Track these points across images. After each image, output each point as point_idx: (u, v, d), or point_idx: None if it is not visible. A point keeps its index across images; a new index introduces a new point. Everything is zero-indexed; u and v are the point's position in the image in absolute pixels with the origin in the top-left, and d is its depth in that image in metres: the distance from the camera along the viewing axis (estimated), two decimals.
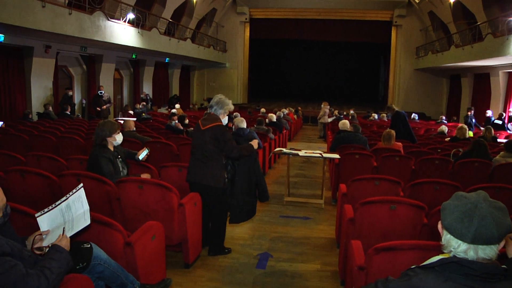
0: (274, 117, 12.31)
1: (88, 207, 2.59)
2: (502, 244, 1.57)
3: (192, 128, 9.19)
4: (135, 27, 14.55)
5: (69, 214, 2.45)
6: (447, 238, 1.62)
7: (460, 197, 1.61)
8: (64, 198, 2.44)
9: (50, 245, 2.30)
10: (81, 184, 2.59)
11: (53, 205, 2.39)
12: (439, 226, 1.70)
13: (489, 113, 15.88)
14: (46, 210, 2.35)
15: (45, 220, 2.35)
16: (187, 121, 10.51)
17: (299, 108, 22.36)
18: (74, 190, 2.50)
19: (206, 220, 4.60)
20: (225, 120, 4.47)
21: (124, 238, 3.01)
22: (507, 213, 1.57)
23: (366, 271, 2.77)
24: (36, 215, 2.34)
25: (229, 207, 4.71)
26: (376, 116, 17.53)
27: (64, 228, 2.43)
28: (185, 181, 4.52)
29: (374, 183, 4.72)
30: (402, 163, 6.42)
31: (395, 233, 3.61)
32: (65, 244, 2.36)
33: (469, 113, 15.07)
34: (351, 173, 6.09)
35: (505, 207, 1.58)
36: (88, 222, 2.59)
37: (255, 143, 4.67)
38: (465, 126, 9.08)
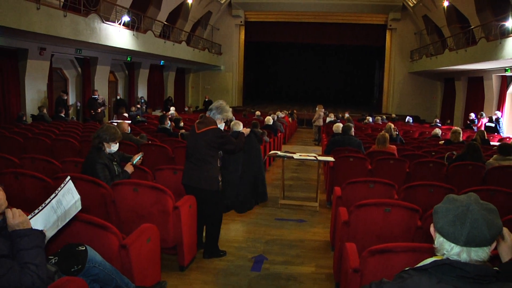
0: (271, 120, 12.33)
1: (79, 196, 2.59)
2: (493, 245, 1.59)
3: (184, 131, 9.18)
4: (130, 29, 14.53)
5: (61, 208, 2.44)
6: (440, 241, 1.63)
7: (452, 200, 1.62)
8: (54, 195, 2.43)
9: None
10: (68, 177, 2.58)
11: (44, 205, 2.37)
12: (432, 229, 1.71)
13: (472, 115, 16.43)
14: (36, 211, 2.34)
15: (38, 221, 2.34)
16: (182, 123, 10.50)
17: (294, 111, 22.40)
18: (62, 185, 2.49)
19: (201, 223, 4.60)
20: (221, 127, 4.48)
21: (119, 240, 3.01)
22: (498, 214, 1.59)
23: (360, 273, 2.79)
24: (28, 217, 2.33)
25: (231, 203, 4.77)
26: (370, 119, 17.59)
27: (58, 223, 2.44)
28: (180, 184, 4.52)
29: (368, 186, 4.74)
30: (397, 166, 6.45)
31: (390, 235, 3.63)
32: (18, 222, 2.22)
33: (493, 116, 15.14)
34: (345, 176, 6.11)
35: (495, 208, 1.60)
36: (79, 208, 2.59)
37: (246, 131, 4.83)
38: (459, 130, 9.11)
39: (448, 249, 1.59)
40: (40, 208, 2.34)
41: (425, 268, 1.63)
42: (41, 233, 2.31)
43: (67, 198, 2.49)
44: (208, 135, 4.26)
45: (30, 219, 2.30)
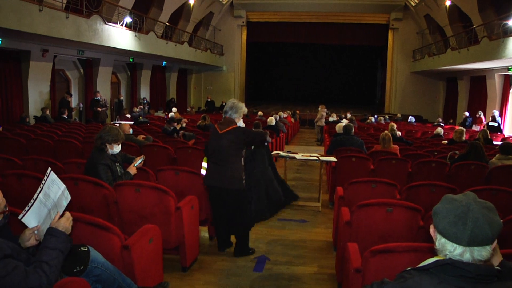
0: (273, 121, 12.35)
1: (64, 185, 2.59)
2: (494, 244, 1.58)
3: (186, 132, 9.20)
4: (132, 30, 14.57)
5: (49, 201, 2.44)
6: (441, 242, 1.62)
7: (451, 200, 1.61)
8: (39, 189, 2.43)
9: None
10: (49, 169, 2.57)
11: (32, 201, 2.37)
12: (431, 230, 1.70)
13: (466, 114, 16.90)
14: (27, 208, 2.34)
15: (31, 218, 2.34)
16: (184, 124, 10.51)
17: (297, 111, 22.38)
18: (45, 177, 2.48)
19: (223, 223, 4.66)
20: (240, 124, 4.54)
21: (121, 241, 3.02)
22: (496, 212, 1.59)
23: (362, 273, 2.78)
24: (19, 217, 2.32)
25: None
26: (373, 119, 17.58)
27: (51, 214, 2.44)
28: (182, 184, 4.54)
29: (370, 186, 4.73)
30: (399, 166, 6.44)
31: (392, 235, 3.62)
32: (64, 224, 2.36)
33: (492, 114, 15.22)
34: (348, 176, 6.10)
35: (493, 206, 1.59)
36: (69, 198, 2.59)
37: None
38: (463, 129, 9.08)
39: (451, 249, 1.58)
40: (30, 205, 2.34)
41: (427, 268, 1.62)
42: (70, 241, 2.37)
43: (53, 190, 2.48)
44: (231, 134, 4.32)
45: (21, 218, 2.30)
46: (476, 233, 1.52)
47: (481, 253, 1.55)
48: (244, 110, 4.57)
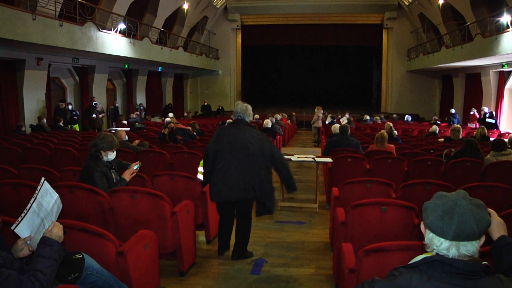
0: (269, 123, 12.37)
1: (57, 194, 2.60)
2: (482, 240, 1.62)
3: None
4: (126, 37, 14.59)
5: (43, 210, 2.45)
6: (429, 237, 1.66)
7: (441, 196, 1.66)
8: (33, 199, 2.43)
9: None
10: (43, 178, 2.58)
11: (25, 211, 2.38)
12: (422, 226, 1.73)
13: (452, 110, 17.11)
14: (20, 219, 2.34)
15: (23, 228, 2.35)
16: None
17: (293, 113, 22.41)
18: (38, 187, 2.49)
19: (229, 227, 4.70)
20: None
21: (116, 247, 3.02)
22: (486, 209, 1.63)
23: (357, 273, 2.79)
24: (12, 227, 2.33)
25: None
26: (368, 118, 17.64)
27: (44, 223, 2.44)
28: (178, 189, 4.56)
29: (365, 186, 4.74)
30: (395, 165, 6.46)
31: (387, 234, 3.63)
32: (56, 233, 2.38)
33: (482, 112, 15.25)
34: (344, 176, 6.09)
35: (483, 204, 1.63)
36: (61, 206, 2.62)
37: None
38: (459, 127, 9.10)
39: (438, 244, 1.62)
40: (23, 215, 2.35)
41: (416, 265, 1.65)
42: (63, 250, 2.38)
43: (47, 199, 2.49)
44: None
45: (14, 228, 2.31)
46: (461, 227, 1.55)
47: (467, 247, 1.58)
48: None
